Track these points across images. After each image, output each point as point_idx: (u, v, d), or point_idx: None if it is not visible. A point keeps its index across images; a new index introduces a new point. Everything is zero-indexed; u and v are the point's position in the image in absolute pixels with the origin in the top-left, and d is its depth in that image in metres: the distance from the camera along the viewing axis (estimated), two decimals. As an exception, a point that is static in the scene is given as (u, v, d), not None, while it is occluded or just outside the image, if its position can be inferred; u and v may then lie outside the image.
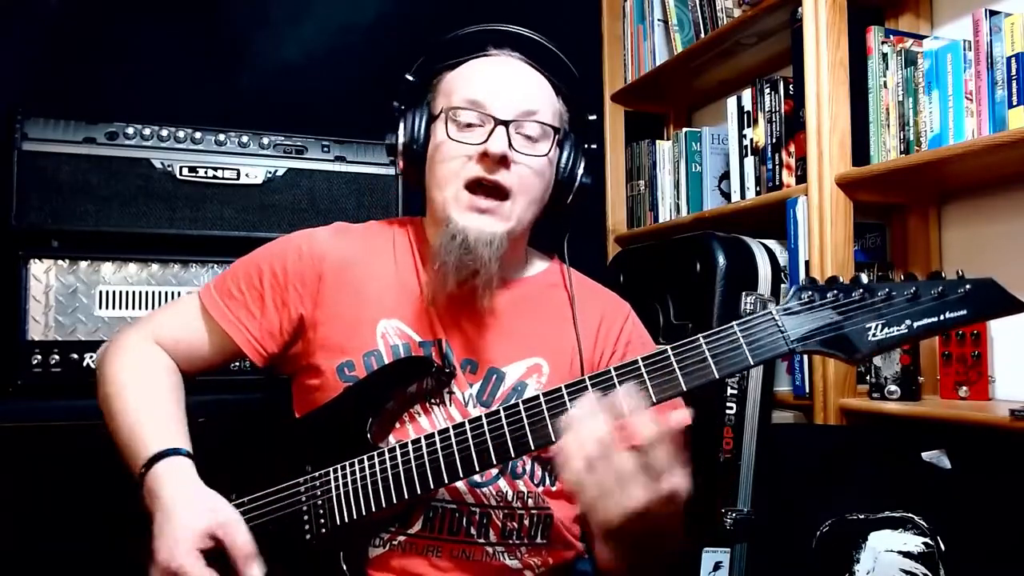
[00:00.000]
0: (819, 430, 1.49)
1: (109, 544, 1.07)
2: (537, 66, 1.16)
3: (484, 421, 0.96)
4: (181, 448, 1.02)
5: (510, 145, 1.07)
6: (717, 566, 1.48)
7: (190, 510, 0.95)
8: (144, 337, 1.15)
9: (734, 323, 0.90)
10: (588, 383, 0.92)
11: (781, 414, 1.65)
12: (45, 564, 1.36)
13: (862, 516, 1.24)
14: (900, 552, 1.20)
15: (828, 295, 0.87)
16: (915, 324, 0.84)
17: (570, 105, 1.19)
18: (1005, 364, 1.44)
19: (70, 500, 1.35)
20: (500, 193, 1.08)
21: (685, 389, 0.89)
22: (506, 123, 1.07)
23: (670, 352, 0.90)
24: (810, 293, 0.88)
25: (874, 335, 0.85)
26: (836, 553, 1.24)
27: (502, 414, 0.95)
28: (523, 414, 0.94)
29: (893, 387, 1.44)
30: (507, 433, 0.94)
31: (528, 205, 1.11)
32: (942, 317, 0.83)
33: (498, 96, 1.09)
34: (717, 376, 0.89)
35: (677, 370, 0.89)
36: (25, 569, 1.37)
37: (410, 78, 1.16)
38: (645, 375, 0.90)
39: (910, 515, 1.21)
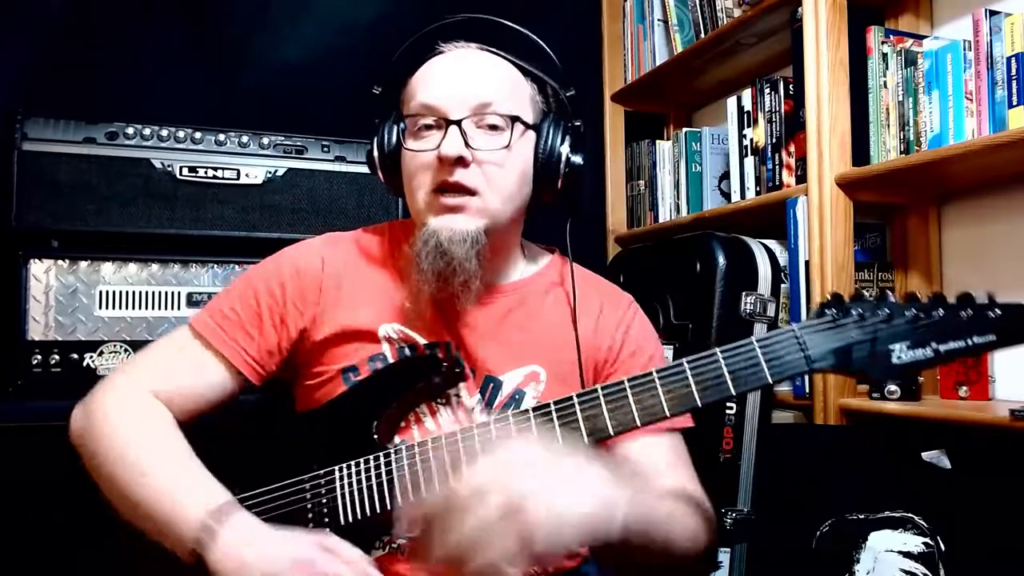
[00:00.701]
0: (819, 430, 1.49)
1: (109, 544, 1.06)
2: (497, 51, 1.11)
3: (492, 427, 0.94)
4: (230, 500, 0.94)
5: (467, 144, 1.02)
6: (717, 566, 1.48)
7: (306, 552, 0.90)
8: (135, 388, 1.04)
9: (753, 338, 0.87)
10: (600, 393, 0.91)
11: (781, 414, 1.65)
12: (45, 564, 1.36)
13: (862, 516, 1.24)
14: (900, 552, 1.20)
15: (852, 313, 0.84)
16: (941, 348, 0.81)
17: (543, 85, 1.13)
18: (1005, 364, 1.44)
19: (70, 500, 1.35)
20: (467, 190, 1.04)
21: (700, 404, 0.87)
22: (458, 122, 1.03)
23: (686, 365, 0.88)
24: (834, 311, 0.85)
25: (898, 358, 0.82)
26: (836, 553, 1.24)
27: (511, 420, 0.94)
28: (532, 421, 0.93)
29: (893, 387, 1.43)
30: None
31: (503, 201, 1.06)
32: (969, 342, 0.81)
33: (448, 94, 1.05)
34: (733, 392, 0.86)
35: (692, 384, 0.87)
36: (25, 569, 1.37)
37: (376, 91, 1.13)
38: (659, 387, 0.88)
39: (910, 515, 1.21)
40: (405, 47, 1.12)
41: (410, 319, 1.10)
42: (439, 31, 1.12)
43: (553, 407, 0.92)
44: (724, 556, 1.49)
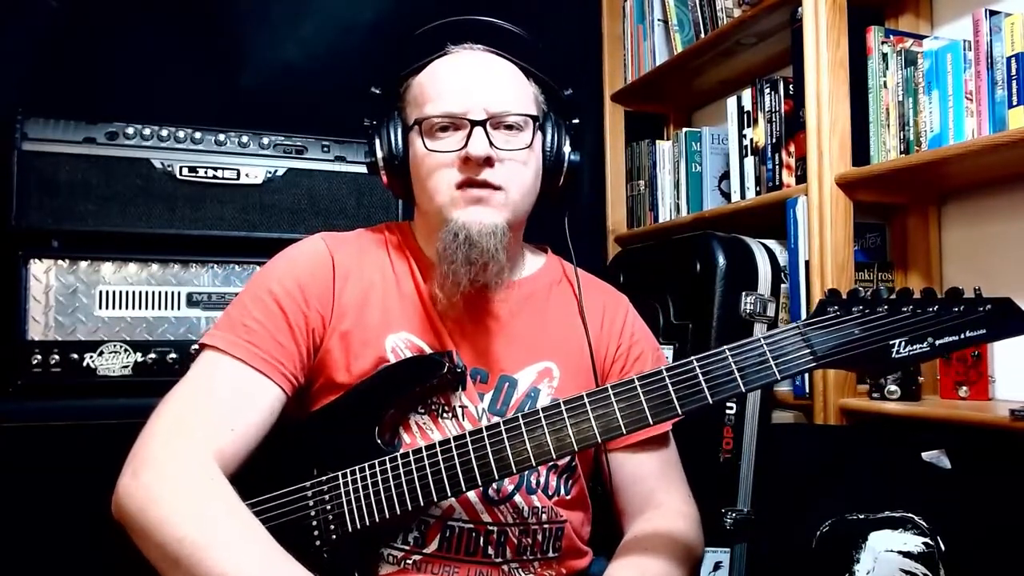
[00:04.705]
0: (819, 430, 1.49)
1: (108, 545, 1.06)
2: (502, 53, 1.12)
3: (503, 428, 0.95)
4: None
5: (491, 144, 1.04)
6: (717, 566, 1.48)
7: None
8: (196, 459, 0.93)
9: (760, 336, 0.90)
10: (611, 392, 0.93)
11: (781, 414, 1.65)
12: (45, 564, 1.36)
13: (862, 516, 1.24)
14: (900, 552, 1.20)
15: (853, 310, 0.88)
16: (936, 342, 0.85)
17: (544, 85, 1.15)
18: (1005, 364, 1.44)
19: (70, 500, 1.35)
20: (493, 186, 1.05)
21: (711, 402, 0.90)
22: (482, 123, 1.04)
23: (695, 363, 0.91)
24: (835, 308, 0.89)
25: (897, 352, 0.86)
26: (836, 553, 1.24)
27: (521, 421, 0.94)
28: (543, 422, 0.94)
29: (893, 387, 1.43)
30: (527, 441, 0.94)
31: (522, 196, 1.09)
32: (962, 336, 0.85)
33: (467, 97, 1.05)
34: (744, 390, 0.90)
35: (703, 381, 0.90)
36: (25, 569, 1.37)
37: (376, 91, 1.13)
38: (670, 386, 0.91)
39: (910, 515, 1.21)
40: (407, 47, 1.13)
41: (417, 325, 1.08)
42: (445, 32, 1.12)
43: (564, 406, 0.94)
44: (724, 556, 1.49)
